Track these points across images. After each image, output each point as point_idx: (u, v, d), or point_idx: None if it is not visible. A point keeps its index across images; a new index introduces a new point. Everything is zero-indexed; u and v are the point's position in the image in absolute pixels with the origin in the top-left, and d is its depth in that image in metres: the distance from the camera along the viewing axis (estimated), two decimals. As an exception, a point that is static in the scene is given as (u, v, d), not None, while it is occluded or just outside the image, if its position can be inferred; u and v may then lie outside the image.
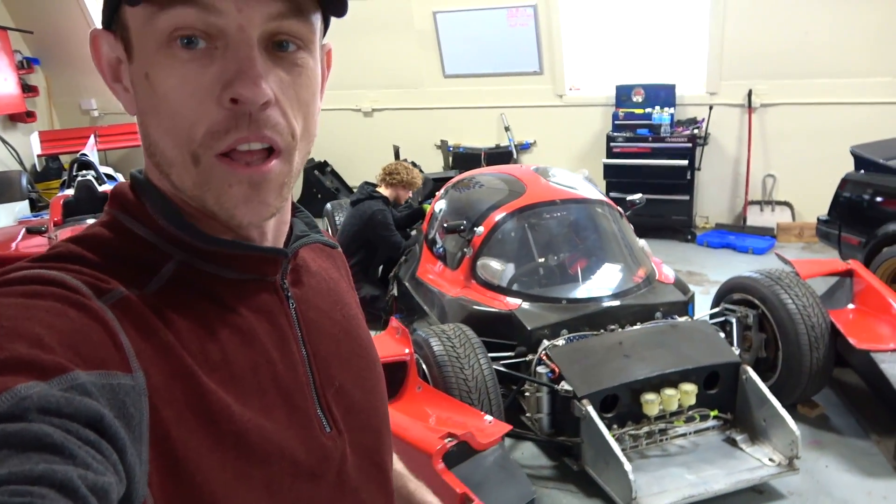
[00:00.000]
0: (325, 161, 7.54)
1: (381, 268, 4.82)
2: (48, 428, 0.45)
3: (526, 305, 3.29)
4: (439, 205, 4.10)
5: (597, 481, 2.77)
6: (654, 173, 5.74)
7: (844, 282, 3.58)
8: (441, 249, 3.93)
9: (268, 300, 0.69)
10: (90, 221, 4.91)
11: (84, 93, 8.61)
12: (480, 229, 3.57)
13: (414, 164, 5.27)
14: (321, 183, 7.31)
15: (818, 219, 4.65)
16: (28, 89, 8.16)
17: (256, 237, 0.68)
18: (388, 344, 3.02)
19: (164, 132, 0.61)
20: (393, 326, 3.07)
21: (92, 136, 7.22)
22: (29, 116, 8.15)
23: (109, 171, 6.60)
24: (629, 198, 4.01)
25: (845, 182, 4.39)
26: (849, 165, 4.45)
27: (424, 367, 2.93)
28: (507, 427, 2.50)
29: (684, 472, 2.80)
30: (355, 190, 7.43)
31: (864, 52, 5.47)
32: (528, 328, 3.14)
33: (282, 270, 0.71)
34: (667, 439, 2.95)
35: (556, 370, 2.91)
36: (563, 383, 2.86)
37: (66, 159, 7.70)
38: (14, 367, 0.48)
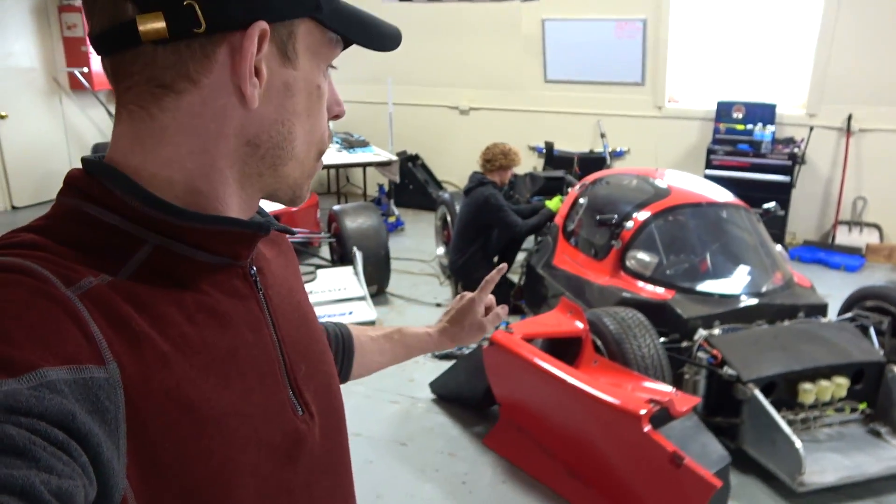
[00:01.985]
0: (416, 154, 7.83)
1: (495, 257, 5.08)
2: (11, 429, 0.45)
3: (678, 297, 3.54)
4: (580, 200, 4.36)
5: (758, 460, 3.02)
6: (754, 187, 5.96)
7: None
8: (582, 241, 4.19)
9: (239, 285, 0.69)
10: None
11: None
12: (630, 223, 3.83)
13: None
14: (413, 175, 7.60)
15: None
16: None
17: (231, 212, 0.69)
18: (560, 320, 3.29)
19: (308, 133, 0.69)
20: (565, 305, 3.33)
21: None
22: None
23: None
24: (765, 206, 4.26)
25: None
26: None
27: (599, 342, 3.19)
28: (697, 399, 2.75)
29: (838, 456, 3.04)
30: (444, 183, 7.79)
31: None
32: (685, 317, 3.39)
33: (251, 255, 0.71)
34: (817, 427, 3.19)
35: (719, 356, 3.16)
36: (726, 368, 3.11)
37: None
38: None
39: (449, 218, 5.45)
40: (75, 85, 7.57)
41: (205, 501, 0.59)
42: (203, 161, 0.64)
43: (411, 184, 7.58)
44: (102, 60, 0.63)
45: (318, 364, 0.79)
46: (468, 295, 1.23)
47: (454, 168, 7.87)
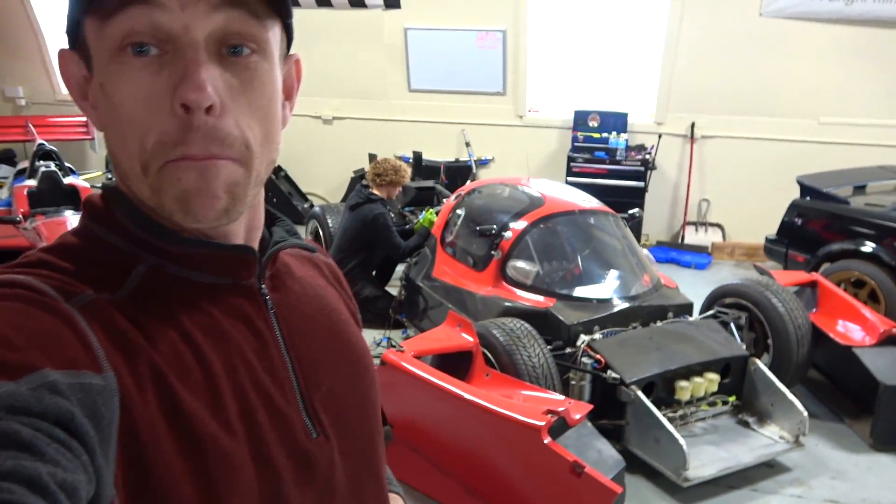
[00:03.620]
0: (279, 166, 7.55)
1: (374, 271, 4.99)
2: (16, 425, 0.45)
3: (559, 304, 3.61)
4: (456, 211, 4.36)
5: (643, 458, 3.13)
6: (612, 192, 6.26)
7: (806, 291, 4.17)
8: (461, 252, 4.19)
9: (243, 304, 0.67)
10: (68, 213, 4.79)
11: (8, 79, 8.13)
12: (509, 234, 3.87)
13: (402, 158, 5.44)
14: (277, 187, 7.32)
15: (766, 238, 5.31)
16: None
17: (227, 236, 0.67)
18: (450, 335, 3.25)
19: (120, 143, 0.61)
20: (453, 318, 3.30)
21: (29, 125, 6.89)
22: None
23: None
24: (630, 211, 4.46)
25: (793, 207, 5.07)
26: (777, 193, 5.22)
27: (490, 355, 3.18)
28: (590, 406, 2.80)
29: (714, 448, 3.22)
30: (309, 195, 7.57)
31: (793, 96, 6.28)
32: (567, 323, 3.46)
33: (258, 274, 0.70)
34: (693, 422, 3.36)
35: (602, 360, 3.24)
36: (609, 371, 3.20)
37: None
38: None
39: (321, 232, 5.28)
40: None
41: None
42: (122, 186, 0.66)
43: (275, 197, 7.29)
44: None
45: (350, 384, 0.76)
46: None
47: (320, 179, 7.69)
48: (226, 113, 0.60)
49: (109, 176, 6.56)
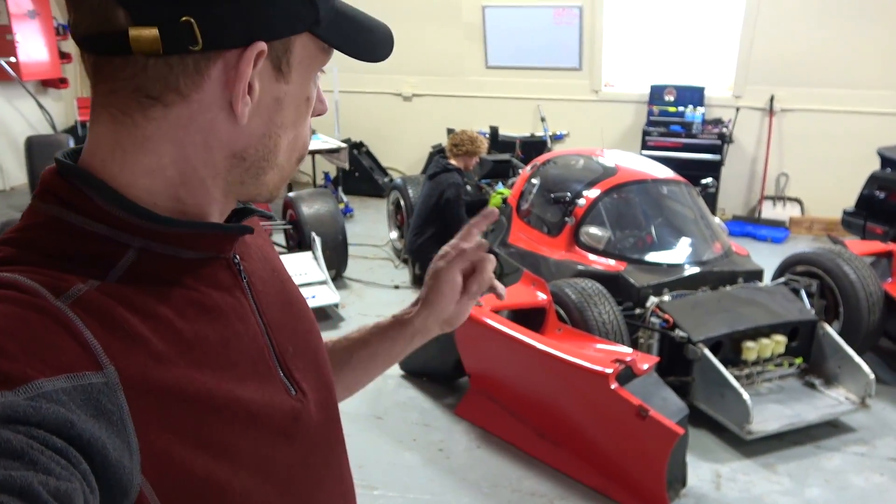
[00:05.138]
0: (361, 142, 7.89)
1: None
2: (9, 434, 0.45)
3: (630, 268, 3.78)
4: (532, 181, 4.56)
5: (708, 413, 3.29)
6: (687, 166, 6.30)
7: (882, 261, 4.18)
8: (535, 219, 4.39)
9: (224, 276, 0.69)
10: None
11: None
12: (582, 201, 4.05)
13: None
14: (359, 162, 7.66)
15: (844, 210, 5.29)
16: (62, 56, 8.25)
17: (207, 211, 0.69)
18: (525, 292, 3.47)
19: (290, 143, 0.68)
20: (528, 278, 3.52)
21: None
22: (62, 83, 8.24)
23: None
24: (702, 181, 4.55)
25: (873, 179, 5.03)
26: (856, 167, 5.14)
27: (562, 311, 3.39)
28: (656, 358, 2.98)
29: (779, 406, 3.34)
30: (389, 169, 7.89)
31: (875, 66, 6.16)
32: (637, 286, 3.63)
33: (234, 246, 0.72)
34: (759, 381, 3.48)
35: (671, 320, 3.41)
36: (677, 331, 3.36)
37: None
38: None
39: (402, 202, 5.57)
40: (1, 76, 7.29)
41: (214, 486, 0.60)
42: (185, 171, 0.64)
43: (357, 171, 7.64)
44: (81, 52, 0.61)
45: (305, 341, 0.79)
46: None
47: (399, 154, 7.98)
48: None
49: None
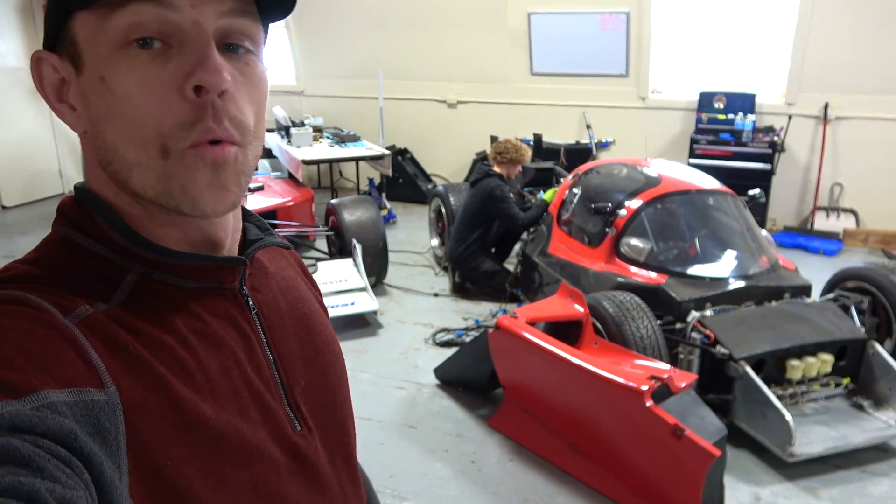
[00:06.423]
0: (405, 148, 7.94)
1: (493, 248, 5.22)
2: (17, 442, 0.46)
3: (671, 281, 3.71)
4: (573, 190, 4.51)
5: (749, 433, 3.19)
6: (736, 175, 6.15)
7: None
8: (576, 229, 4.34)
9: (228, 307, 0.69)
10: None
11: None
12: (623, 212, 3.99)
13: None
14: (403, 168, 7.71)
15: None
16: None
17: (214, 239, 0.69)
18: (562, 305, 3.44)
19: (125, 134, 0.60)
20: (565, 289, 3.48)
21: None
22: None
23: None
24: (750, 192, 4.44)
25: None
26: None
27: (599, 325, 3.35)
28: (694, 375, 2.91)
29: (824, 428, 3.23)
30: (433, 176, 7.91)
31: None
32: (678, 300, 3.56)
33: (240, 277, 0.71)
34: (804, 401, 3.37)
35: (712, 336, 3.32)
36: (718, 347, 3.27)
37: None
38: None
39: (444, 210, 5.58)
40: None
41: None
42: (103, 192, 0.65)
43: (401, 177, 7.69)
44: None
45: (322, 376, 0.78)
46: None
47: (443, 161, 8.00)
48: (233, 99, 0.62)
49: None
